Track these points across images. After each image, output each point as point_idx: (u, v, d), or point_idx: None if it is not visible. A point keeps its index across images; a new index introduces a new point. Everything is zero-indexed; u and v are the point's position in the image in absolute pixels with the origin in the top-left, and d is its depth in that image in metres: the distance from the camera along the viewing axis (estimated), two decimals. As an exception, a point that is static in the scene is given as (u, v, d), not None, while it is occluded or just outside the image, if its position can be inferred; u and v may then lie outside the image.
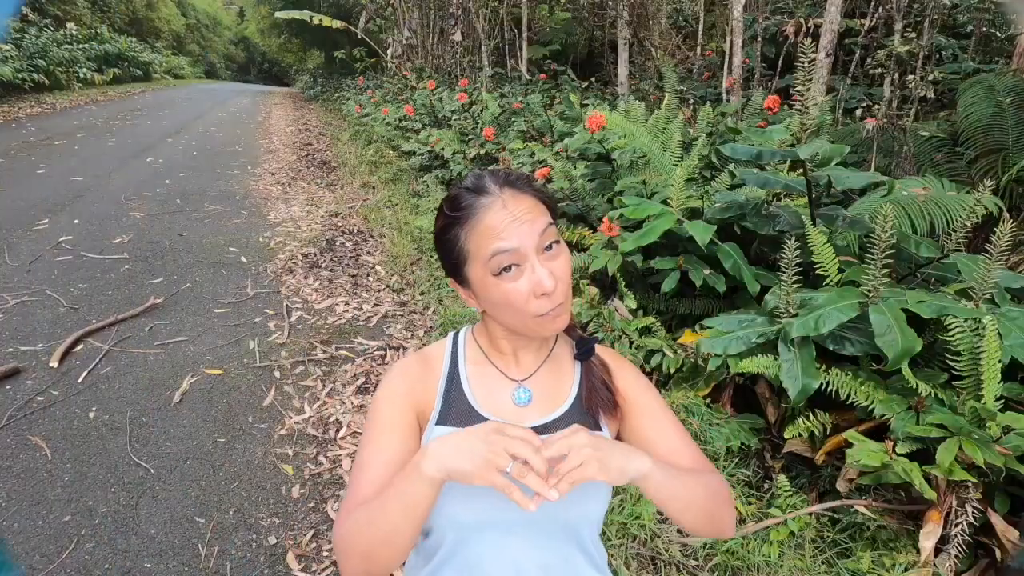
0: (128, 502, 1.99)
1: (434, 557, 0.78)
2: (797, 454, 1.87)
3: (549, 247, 0.73)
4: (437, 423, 0.79)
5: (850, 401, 1.73)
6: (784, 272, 1.85)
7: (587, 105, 5.51)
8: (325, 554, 1.84)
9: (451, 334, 0.88)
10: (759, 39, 5.59)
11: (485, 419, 0.78)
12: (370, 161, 7.24)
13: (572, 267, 0.76)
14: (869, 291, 1.77)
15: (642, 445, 0.79)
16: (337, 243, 4.68)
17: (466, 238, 0.72)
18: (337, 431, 2.42)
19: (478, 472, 0.60)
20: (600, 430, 0.81)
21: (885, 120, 3.48)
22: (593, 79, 8.10)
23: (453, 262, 0.76)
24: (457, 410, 0.79)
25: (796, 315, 1.80)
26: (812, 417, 1.83)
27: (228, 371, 2.79)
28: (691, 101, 5.64)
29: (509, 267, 0.70)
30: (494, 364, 0.83)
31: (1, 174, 6.05)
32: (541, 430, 0.78)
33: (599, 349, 0.87)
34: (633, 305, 2.49)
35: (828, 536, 1.70)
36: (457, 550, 0.76)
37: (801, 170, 2.21)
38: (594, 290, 2.58)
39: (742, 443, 1.99)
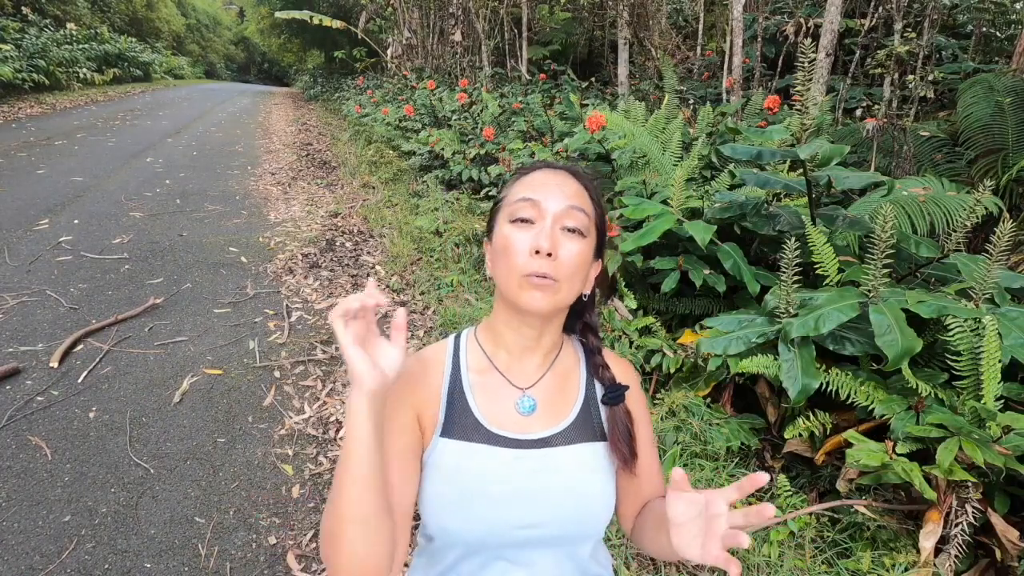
0: (128, 502, 1.99)
1: (437, 566, 0.79)
2: (797, 454, 1.87)
3: (572, 231, 0.74)
4: (442, 435, 0.77)
5: (850, 401, 1.73)
6: (784, 272, 1.85)
7: (587, 105, 5.51)
8: (325, 554, 1.84)
9: (451, 337, 0.85)
10: (759, 39, 5.59)
11: (489, 431, 0.77)
12: (370, 161, 7.24)
13: (585, 268, 0.76)
14: (869, 291, 1.77)
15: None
16: (337, 243, 4.68)
17: (510, 189, 0.78)
18: (337, 431, 2.42)
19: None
20: (605, 440, 0.81)
21: (885, 120, 3.47)
22: (593, 79, 8.09)
23: (494, 210, 0.80)
24: (462, 423, 0.77)
25: (796, 315, 1.81)
26: (812, 417, 1.83)
27: (228, 371, 2.79)
28: (691, 101, 5.64)
29: (526, 220, 0.73)
30: (498, 370, 0.81)
31: (1, 174, 6.04)
32: (544, 442, 0.77)
33: (609, 357, 0.86)
34: (633, 305, 2.49)
35: (828, 536, 1.70)
36: (458, 565, 0.77)
37: (801, 170, 2.21)
38: (594, 290, 2.58)
39: (742, 443, 1.99)
